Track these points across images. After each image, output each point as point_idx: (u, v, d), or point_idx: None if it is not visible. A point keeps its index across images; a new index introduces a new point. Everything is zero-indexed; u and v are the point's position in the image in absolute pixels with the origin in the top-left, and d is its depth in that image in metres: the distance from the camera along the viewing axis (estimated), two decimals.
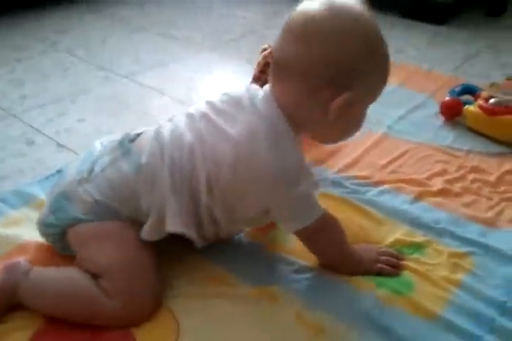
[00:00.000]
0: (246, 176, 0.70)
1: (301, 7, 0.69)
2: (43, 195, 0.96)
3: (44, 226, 0.78)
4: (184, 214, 0.73)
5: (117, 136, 0.80)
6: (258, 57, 1.17)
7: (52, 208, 0.76)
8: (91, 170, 0.75)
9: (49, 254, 0.82)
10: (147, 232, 0.74)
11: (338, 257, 0.82)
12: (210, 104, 0.77)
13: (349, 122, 0.76)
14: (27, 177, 1.05)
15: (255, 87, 0.78)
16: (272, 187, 0.71)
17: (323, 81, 0.68)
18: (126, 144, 0.77)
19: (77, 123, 1.26)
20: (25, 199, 0.95)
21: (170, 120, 0.81)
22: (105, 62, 1.61)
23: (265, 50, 1.17)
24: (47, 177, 1.02)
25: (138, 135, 0.78)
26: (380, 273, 0.81)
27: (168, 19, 2.01)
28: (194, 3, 2.20)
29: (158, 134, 0.76)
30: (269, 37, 1.80)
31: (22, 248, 0.83)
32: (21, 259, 0.77)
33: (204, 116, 0.75)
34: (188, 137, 0.73)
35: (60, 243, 0.79)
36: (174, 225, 0.73)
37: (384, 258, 0.83)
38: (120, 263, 0.72)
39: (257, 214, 0.76)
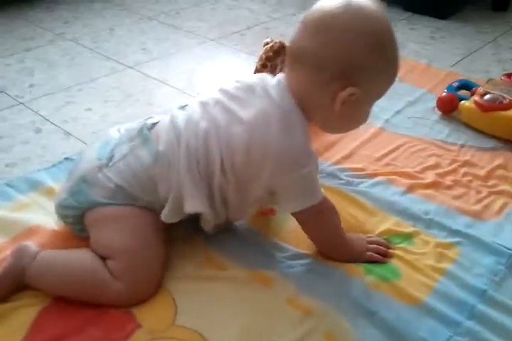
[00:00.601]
0: (258, 157, 0.75)
1: (320, 2, 0.74)
2: (50, 181, 1.00)
3: (63, 208, 0.82)
4: (200, 195, 0.77)
5: (134, 125, 0.84)
6: (260, 51, 1.21)
7: (72, 191, 0.80)
8: (111, 157, 0.79)
9: (58, 238, 0.86)
10: (167, 215, 0.79)
11: (332, 241, 0.86)
12: (223, 90, 0.81)
13: (353, 116, 0.81)
14: (34, 165, 1.09)
15: (268, 75, 0.82)
16: (283, 167, 0.75)
17: (332, 74, 0.72)
18: (145, 133, 0.80)
19: (84, 112, 1.30)
20: (33, 186, 0.99)
21: (183, 108, 0.85)
22: (112, 52, 1.64)
23: (267, 44, 1.20)
24: (54, 165, 1.06)
25: (154, 124, 0.82)
26: (369, 261, 0.85)
27: (176, 9, 2.03)
28: None
29: (173, 123, 0.80)
30: (273, 30, 1.84)
31: (31, 232, 0.87)
32: (30, 242, 0.81)
33: (217, 102, 0.80)
34: (203, 123, 0.77)
35: (77, 225, 0.83)
36: (192, 206, 0.77)
37: (373, 246, 0.87)
38: (132, 247, 0.76)
39: (264, 193, 0.80)
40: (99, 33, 1.79)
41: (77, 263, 0.77)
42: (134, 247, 0.77)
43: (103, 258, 0.77)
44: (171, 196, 0.78)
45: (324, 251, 0.86)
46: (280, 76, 0.79)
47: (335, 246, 0.86)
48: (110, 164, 0.78)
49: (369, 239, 0.89)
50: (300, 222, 0.84)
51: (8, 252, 0.80)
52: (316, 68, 0.73)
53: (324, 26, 0.72)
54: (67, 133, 1.21)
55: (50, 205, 0.89)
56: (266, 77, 0.81)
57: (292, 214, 0.83)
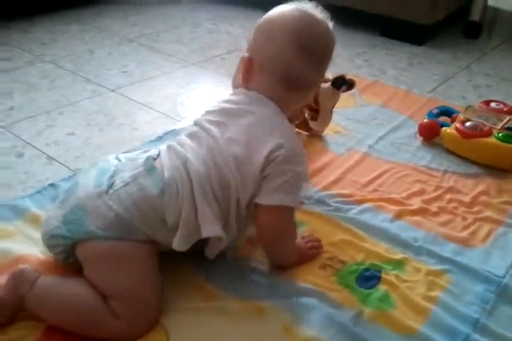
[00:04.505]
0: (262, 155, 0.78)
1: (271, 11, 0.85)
2: (35, 208, 0.97)
3: (53, 238, 0.79)
4: (216, 218, 0.77)
5: (134, 154, 0.85)
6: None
7: (66, 219, 0.77)
8: (111, 184, 0.77)
9: (47, 268, 0.83)
10: (179, 243, 0.77)
11: (291, 247, 0.88)
12: (207, 113, 0.86)
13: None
14: (17, 191, 1.06)
15: (243, 89, 0.87)
16: (286, 159, 0.78)
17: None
18: (150, 161, 0.80)
19: (66, 136, 1.28)
20: (18, 213, 0.96)
21: (177, 139, 0.85)
22: (93, 74, 1.63)
23: None
24: (39, 191, 1.03)
25: (158, 155, 0.81)
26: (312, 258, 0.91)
27: (154, 31, 2.04)
28: (178, 17, 2.23)
29: (175, 151, 0.80)
30: None
31: (18, 262, 0.83)
32: (27, 266, 0.79)
33: (205, 128, 0.82)
34: (203, 150, 0.79)
35: (66, 254, 0.80)
36: (210, 231, 0.76)
37: (310, 244, 0.92)
38: (133, 289, 0.75)
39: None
40: (79, 55, 1.77)
41: (77, 296, 0.75)
42: (136, 287, 0.75)
43: (102, 295, 0.75)
44: (182, 223, 0.76)
45: (271, 258, 0.89)
46: (251, 86, 0.85)
47: (281, 254, 0.88)
48: (111, 191, 0.76)
49: (302, 239, 0.93)
50: (262, 229, 0.83)
51: (2, 279, 0.78)
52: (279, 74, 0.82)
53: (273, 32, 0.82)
54: (50, 158, 1.18)
55: (36, 233, 0.87)
56: (241, 91, 0.86)
57: (259, 213, 0.81)
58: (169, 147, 0.82)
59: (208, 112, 0.86)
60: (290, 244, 0.88)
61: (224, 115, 0.84)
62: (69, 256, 0.81)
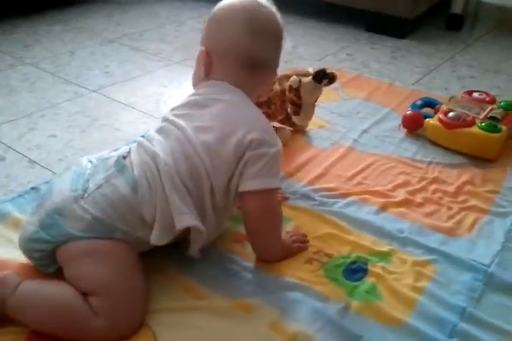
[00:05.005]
0: (234, 142, 0.79)
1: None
2: (17, 212, 0.96)
3: (32, 242, 0.78)
4: (189, 210, 0.77)
5: (105, 155, 0.83)
6: None
7: (43, 224, 0.76)
8: (86, 188, 0.77)
9: (27, 273, 0.82)
10: (157, 237, 0.77)
11: (270, 236, 0.87)
12: (173, 109, 0.87)
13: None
14: None
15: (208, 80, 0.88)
16: (258, 143, 0.80)
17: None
18: (120, 161, 0.80)
19: (48, 139, 1.26)
20: None
21: (143, 136, 0.85)
22: (73, 76, 1.61)
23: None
24: (20, 195, 1.02)
25: (128, 152, 0.82)
26: (297, 251, 0.91)
27: (138, 31, 2.02)
28: (163, 16, 2.22)
29: (143, 147, 0.80)
30: None
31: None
32: (10, 272, 0.78)
33: (172, 121, 0.84)
34: (172, 141, 0.80)
35: (44, 260, 0.79)
36: (183, 221, 0.76)
37: (295, 237, 0.93)
38: (112, 284, 0.74)
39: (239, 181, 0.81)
40: (60, 57, 1.76)
41: (58, 297, 0.74)
42: (116, 283, 0.74)
43: (83, 294, 0.74)
44: (158, 216, 0.76)
45: (257, 247, 0.88)
46: (212, 78, 0.87)
47: (270, 245, 0.88)
48: (86, 195, 0.76)
49: (287, 233, 0.94)
50: (249, 214, 0.84)
51: None
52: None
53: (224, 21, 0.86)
54: (32, 161, 1.17)
55: (18, 238, 0.85)
56: (204, 83, 0.88)
57: (246, 200, 0.82)
58: (138, 143, 0.82)
59: (175, 108, 0.88)
60: (278, 226, 0.88)
61: (190, 107, 0.86)
62: (49, 263, 0.80)
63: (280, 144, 0.84)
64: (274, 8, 0.88)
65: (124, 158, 0.81)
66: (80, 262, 0.75)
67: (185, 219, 0.76)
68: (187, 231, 0.79)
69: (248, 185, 0.80)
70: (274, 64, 0.91)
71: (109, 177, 0.78)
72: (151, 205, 0.76)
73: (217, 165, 0.79)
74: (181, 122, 0.82)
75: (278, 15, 0.89)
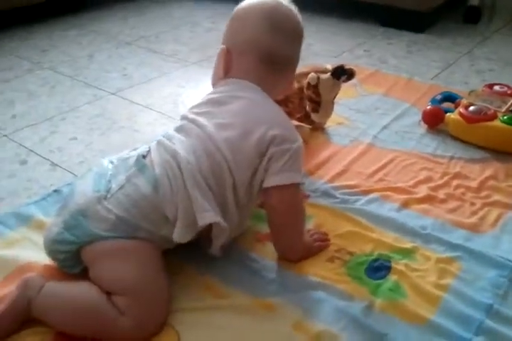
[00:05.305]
0: (256, 138, 0.80)
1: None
2: (41, 215, 0.97)
3: (57, 243, 0.79)
4: (212, 206, 0.78)
5: (125, 155, 0.84)
6: None
7: (67, 225, 0.77)
8: (109, 189, 0.78)
9: (52, 275, 0.83)
10: (180, 234, 0.77)
11: (293, 232, 0.87)
12: (193, 108, 0.88)
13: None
14: (22, 198, 1.06)
15: (227, 79, 0.89)
16: (281, 139, 0.81)
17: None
18: (141, 160, 0.80)
19: (69, 142, 1.28)
20: (23, 220, 0.96)
21: (165, 134, 0.85)
22: (92, 79, 1.63)
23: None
24: (43, 198, 1.03)
25: (148, 152, 0.82)
26: (318, 250, 0.91)
27: (154, 33, 2.04)
28: (178, 17, 2.23)
29: (164, 145, 0.81)
30: None
31: (23, 270, 0.84)
32: (34, 274, 0.79)
33: (193, 120, 0.84)
34: (193, 140, 0.81)
35: (70, 261, 0.80)
36: (206, 218, 0.77)
37: (316, 236, 0.92)
38: (140, 283, 0.75)
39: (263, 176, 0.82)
40: (77, 60, 1.77)
41: (82, 298, 0.75)
42: (143, 282, 0.75)
43: (107, 293, 0.75)
44: (180, 214, 0.77)
45: (281, 247, 0.88)
46: (231, 76, 0.88)
47: (293, 242, 0.88)
48: (109, 196, 0.77)
49: (308, 232, 0.93)
50: (273, 209, 0.84)
51: (3, 291, 0.79)
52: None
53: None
54: (54, 164, 1.18)
55: (42, 240, 0.86)
56: (224, 81, 0.89)
57: (271, 195, 0.82)
58: (158, 142, 0.83)
59: (194, 106, 0.89)
60: (302, 221, 0.88)
61: (210, 105, 0.86)
62: (73, 264, 0.81)
63: (301, 140, 0.84)
64: (294, 7, 0.90)
65: (144, 157, 0.81)
66: (106, 261, 0.76)
67: (208, 216, 0.77)
68: (209, 229, 0.79)
69: (273, 180, 0.81)
70: (294, 61, 0.92)
71: (131, 176, 0.79)
72: (172, 203, 0.77)
73: (239, 161, 0.80)
74: (201, 120, 0.83)
75: (298, 13, 0.90)
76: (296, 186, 0.83)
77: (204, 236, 0.82)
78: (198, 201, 0.76)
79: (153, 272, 0.77)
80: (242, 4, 0.90)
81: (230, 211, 0.81)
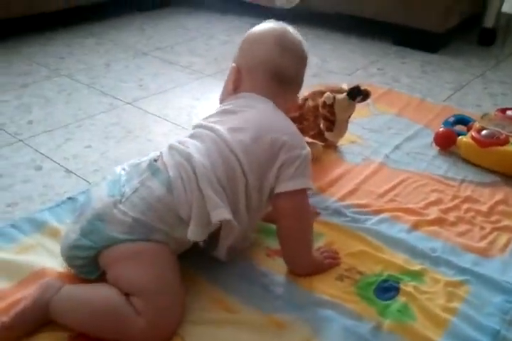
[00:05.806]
0: (268, 142, 0.84)
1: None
2: (54, 221, 0.99)
3: (74, 249, 0.81)
4: (224, 205, 0.80)
5: (135, 160, 0.87)
6: None
7: (84, 231, 0.79)
8: (123, 193, 0.80)
9: (67, 281, 0.83)
10: (194, 232, 0.79)
11: (301, 245, 0.89)
12: (206, 117, 0.92)
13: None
14: (36, 204, 1.08)
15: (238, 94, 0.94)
16: (291, 144, 0.85)
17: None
18: (153, 164, 0.83)
19: (84, 149, 1.29)
20: (38, 226, 0.98)
21: (177, 140, 0.88)
22: (109, 88, 1.65)
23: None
24: (58, 205, 1.04)
25: (159, 156, 0.85)
26: (328, 267, 0.92)
27: (169, 44, 2.06)
28: (193, 28, 2.26)
29: (177, 149, 0.83)
30: None
31: (37, 276, 0.85)
32: (53, 278, 0.82)
33: (205, 126, 0.88)
34: (208, 143, 0.84)
35: (88, 267, 0.82)
36: (219, 214, 0.79)
37: (326, 254, 0.94)
38: (156, 284, 0.76)
39: (272, 181, 0.85)
40: (94, 69, 1.80)
41: (102, 298, 0.76)
42: (158, 284, 0.77)
43: (125, 294, 0.76)
44: (194, 214, 0.78)
45: (290, 257, 0.90)
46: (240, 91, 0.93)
47: (301, 251, 0.89)
48: (123, 199, 0.79)
49: (318, 250, 0.94)
50: (283, 213, 0.86)
51: (17, 296, 0.80)
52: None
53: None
54: (69, 171, 1.20)
55: (56, 247, 0.88)
56: (234, 96, 0.93)
57: (281, 200, 0.85)
58: (171, 147, 0.85)
59: (206, 117, 0.93)
60: (309, 227, 0.90)
61: (222, 114, 0.91)
62: (91, 270, 0.82)
63: (308, 148, 0.88)
64: (297, 33, 0.98)
65: (155, 161, 0.83)
66: (124, 264, 0.78)
67: (221, 212, 0.79)
68: (217, 231, 0.82)
69: (285, 185, 0.84)
70: (298, 81, 0.98)
71: (144, 180, 0.81)
72: (186, 204, 0.79)
73: (252, 163, 0.83)
74: (214, 126, 0.86)
75: (303, 39, 0.97)
76: (304, 192, 0.87)
77: (211, 237, 0.84)
78: (211, 199, 0.78)
79: (170, 275, 0.79)
80: (253, 30, 0.97)
81: (241, 213, 0.84)
